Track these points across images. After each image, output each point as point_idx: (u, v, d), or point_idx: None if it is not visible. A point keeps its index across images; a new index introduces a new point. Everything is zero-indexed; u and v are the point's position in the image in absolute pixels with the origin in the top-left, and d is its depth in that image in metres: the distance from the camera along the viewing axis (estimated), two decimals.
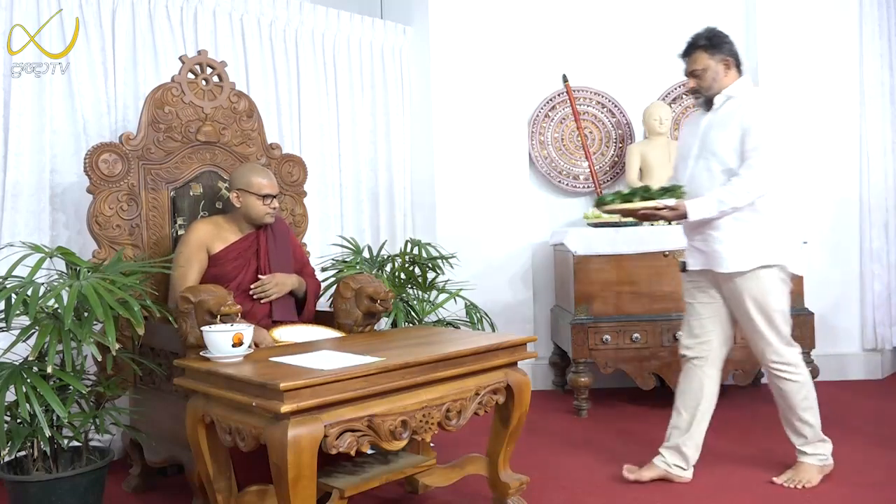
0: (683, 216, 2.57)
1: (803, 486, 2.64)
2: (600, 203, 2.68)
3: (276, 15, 3.77)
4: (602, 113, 4.46)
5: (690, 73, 2.69)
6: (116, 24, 3.17)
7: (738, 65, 2.68)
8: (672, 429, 2.77)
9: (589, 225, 3.93)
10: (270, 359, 2.14)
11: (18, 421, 2.22)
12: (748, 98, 2.62)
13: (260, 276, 2.75)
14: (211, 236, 2.72)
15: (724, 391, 3.93)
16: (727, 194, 2.52)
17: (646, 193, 2.60)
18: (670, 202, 2.55)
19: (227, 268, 2.71)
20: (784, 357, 2.64)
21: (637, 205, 2.57)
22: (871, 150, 4.26)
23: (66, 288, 2.19)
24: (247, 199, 2.74)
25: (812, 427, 2.69)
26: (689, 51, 2.68)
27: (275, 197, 2.78)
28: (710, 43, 2.64)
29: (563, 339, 3.94)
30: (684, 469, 2.74)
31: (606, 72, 4.45)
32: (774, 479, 2.70)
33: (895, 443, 3.11)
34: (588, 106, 4.45)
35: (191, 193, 2.93)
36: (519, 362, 2.45)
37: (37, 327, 2.18)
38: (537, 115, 4.41)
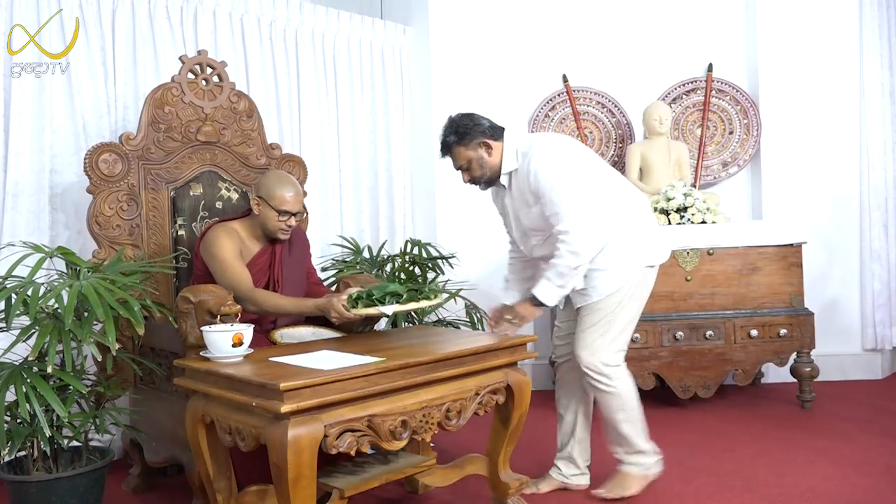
0: (536, 306, 2.49)
1: (622, 497, 2.56)
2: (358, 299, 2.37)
3: (276, 15, 3.77)
4: (602, 113, 4.46)
5: (458, 168, 2.59)
6: (116, 24, 3.17)
7: (496, 135, 2.54)
8: (563, 436, 2.76)
9: None
10: (270, 359, 2.14)
11: (18, 421, 2.22)
12: (525, 164, 2.48)
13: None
14: (239, 249, 2.61)
15: (724, 391, 3.96)
16: (562, 265, 2.42)
17: (398, 298, 2.34)
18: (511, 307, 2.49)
19: None
20: (597, 366, 2.52)
21: (413, 306, 2.37)
22: (871, 150, 4.26)
23: (66, 288, 2.19)
24: (265, 209, 2.61)
25: (627, 438, 2.58)
26: (445, 151, 2.58)
27: (294, 215, 2.62)
28: (459, 136, 2.52)
29: None
30: (581, 475, 2.73)
31: (606, 72, 4.45)
32: (594, 491, 2.62)
33: (895, 443, 3.11)
34: (588, 106, 4.45)
35: (191, 193, 2.93)
36: (519, 362, 2.45)
37: (37, 327, 2.18)
38: (537, 115, 4.41)
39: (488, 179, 2.59)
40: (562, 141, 2.58)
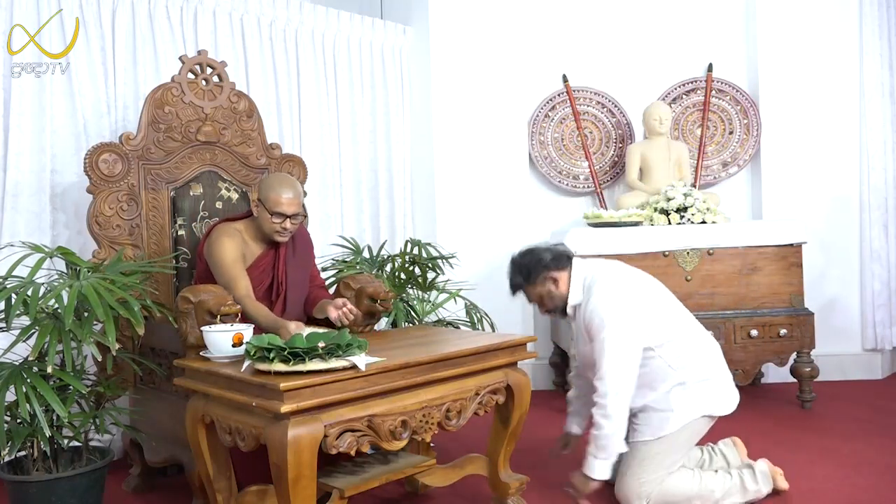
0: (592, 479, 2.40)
1: (775, 488, 2.55)
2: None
3: (276, 15, 3.77)
4: (602, 113, 4.46)
5: (532, 303, 2.66)
6: (116, 24, 3.17)
7: (560, 265, 2.54)
8: None
9: (589, 225, 3.93)
10: None
11: (18, 421, 2.22)
12: (586, 301, 2.48)
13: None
14: (241, 251, 2.58)
15: None
16: (599, 436, 2.36)
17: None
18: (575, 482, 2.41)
19: None
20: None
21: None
22: (871, 150, 4.26)
23: (67, 288, 2.19)
24: (261, 211, 2.58)
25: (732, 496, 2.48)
26: (515, 292, 2.63)
27: (289, 217, 2.57)
28: (527, 278, 2.57)
29: (563, 339, 3.94)
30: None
31: (606, 72, 4.45)
32: None
33: (895, 443, 3.11)
34: (588, 106, 4.45)
35: (191, 193, 2.93)
36: (519, 362, 2.45)
37: (37, 327, 2.18)
38: (537, 115, 4.41)
39: (563, 309, 2.58)
40: (625, 281, 2.52)
